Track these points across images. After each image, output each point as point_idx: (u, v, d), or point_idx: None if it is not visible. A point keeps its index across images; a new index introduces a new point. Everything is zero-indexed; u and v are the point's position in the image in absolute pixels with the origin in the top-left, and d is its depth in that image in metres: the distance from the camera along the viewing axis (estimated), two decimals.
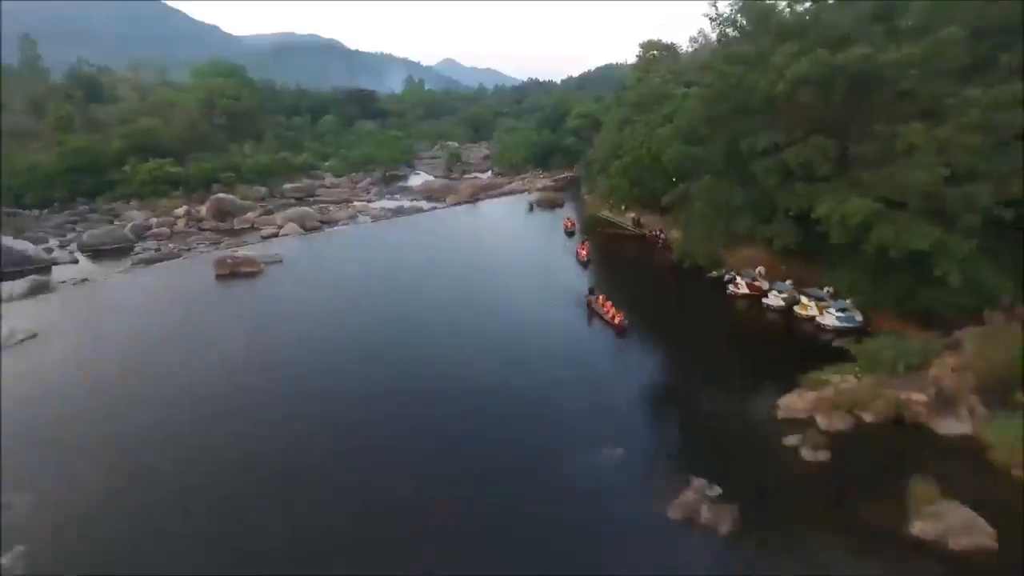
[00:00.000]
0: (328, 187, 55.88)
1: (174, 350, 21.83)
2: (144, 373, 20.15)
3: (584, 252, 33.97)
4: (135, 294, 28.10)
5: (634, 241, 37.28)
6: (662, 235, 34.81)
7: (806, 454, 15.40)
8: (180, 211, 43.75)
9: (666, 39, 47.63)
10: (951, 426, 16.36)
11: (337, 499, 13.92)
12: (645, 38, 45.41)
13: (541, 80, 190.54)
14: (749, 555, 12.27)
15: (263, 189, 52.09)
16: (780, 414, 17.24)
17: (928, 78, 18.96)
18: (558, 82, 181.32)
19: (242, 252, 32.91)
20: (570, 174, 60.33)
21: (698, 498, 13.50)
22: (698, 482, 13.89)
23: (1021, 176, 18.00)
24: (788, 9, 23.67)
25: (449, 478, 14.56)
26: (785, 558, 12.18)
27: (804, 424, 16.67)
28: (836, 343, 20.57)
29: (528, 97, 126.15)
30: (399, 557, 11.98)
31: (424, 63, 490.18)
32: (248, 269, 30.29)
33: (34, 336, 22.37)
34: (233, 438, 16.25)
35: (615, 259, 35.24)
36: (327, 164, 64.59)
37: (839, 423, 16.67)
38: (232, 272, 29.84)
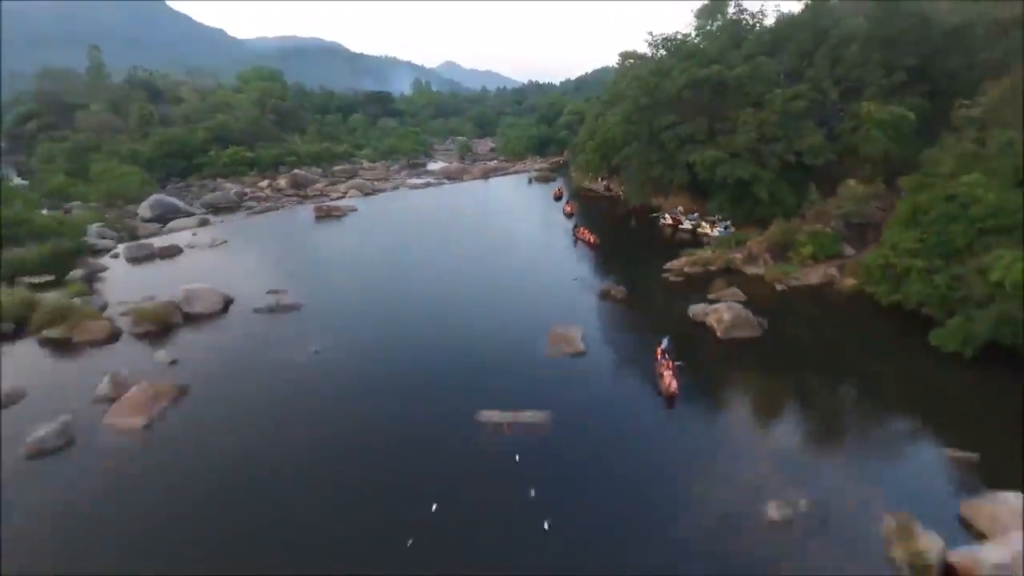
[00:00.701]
0: (367, 169, 70.90)
1: (316, 247, 36.91)
2: (308, 254, 35.17)
3: (568, 208, 48.81)
4: (267, 225, 43.21)
5: (605, 200, 52.40)
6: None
7: (671, 278, 30.47)
8: (264, 183, 58.84)
9: (642, 49, 61.87)
10: (753, 269, 31.29)
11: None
12: (625, 48, 60.10)
13: (540, 83, 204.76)
14: (630, 302, 27.20)
15: (318, 170, 67.15)
16: (665, 267, 32.13)
17: (755, 84, 34.04)
18: (557, 84, 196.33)
19: (328, 204, 47.99)
20: (562, 159, 75.48)
21: (610, 287, 28.43)
22: (612, 284, 28.80)
23: (802, 138, 33.07)
24: (691, 39, 39.04)
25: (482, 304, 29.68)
26: (649, 302, 27.19)
27: (676, 271, 31.59)
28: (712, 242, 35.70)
29: (527, 98, 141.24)
30: None
31: (426, 65, 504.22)
32: (336, 213, 45.37)
33: (225, 242, 37.39)
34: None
35: (591, 211, 50.07)
36: (362, 153, 79.79)
37: (695, 270, 31.60)
38: (326, 214, 44.94)
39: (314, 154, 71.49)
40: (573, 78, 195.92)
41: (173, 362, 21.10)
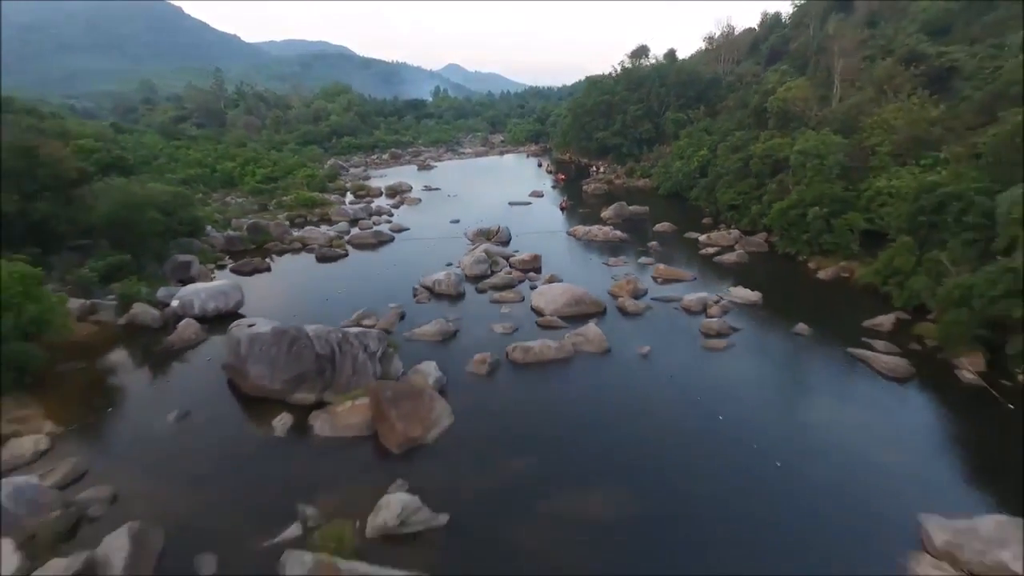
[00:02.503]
0: (425, 151, 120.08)
1: (428, 176, 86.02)
2: (427, 177, 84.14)
3: (551, 169, 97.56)
4: (397, 172, 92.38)
5: (568, 163, 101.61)
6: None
7: (583, 186, 79.11)
8: (374, 157, 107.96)
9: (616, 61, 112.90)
10: (618, 181, 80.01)
11: None
12: (621, 49, 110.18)
13: (541, 87, 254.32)
14: (563, 188, 76.16)
15: (399, 150, 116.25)
16: (583, 182, 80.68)
17: (627, 103, 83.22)
18: (556, 88, 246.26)
19: (422, 162, 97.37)
20: (548, 145, 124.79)
21: (556, 184, 77.04)
22: (559, 184, 77.54)
23: (642, 127, 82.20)
24: (604, 78, 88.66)
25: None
26: (571, 190, 76.24)
27: (587, 182, 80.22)
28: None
29: (528, 103, 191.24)
30: None
31: (432, 69, 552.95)
32: (428, 167, 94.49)
33: (385, 175, 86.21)
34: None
35: (561, 169, 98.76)
36: (419, 141, 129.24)
37: (600, 186, 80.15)
38: (423, 166, 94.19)
39: (391, 141, 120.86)
40: (570, 83, 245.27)
41: (410, 199, 69.69)
